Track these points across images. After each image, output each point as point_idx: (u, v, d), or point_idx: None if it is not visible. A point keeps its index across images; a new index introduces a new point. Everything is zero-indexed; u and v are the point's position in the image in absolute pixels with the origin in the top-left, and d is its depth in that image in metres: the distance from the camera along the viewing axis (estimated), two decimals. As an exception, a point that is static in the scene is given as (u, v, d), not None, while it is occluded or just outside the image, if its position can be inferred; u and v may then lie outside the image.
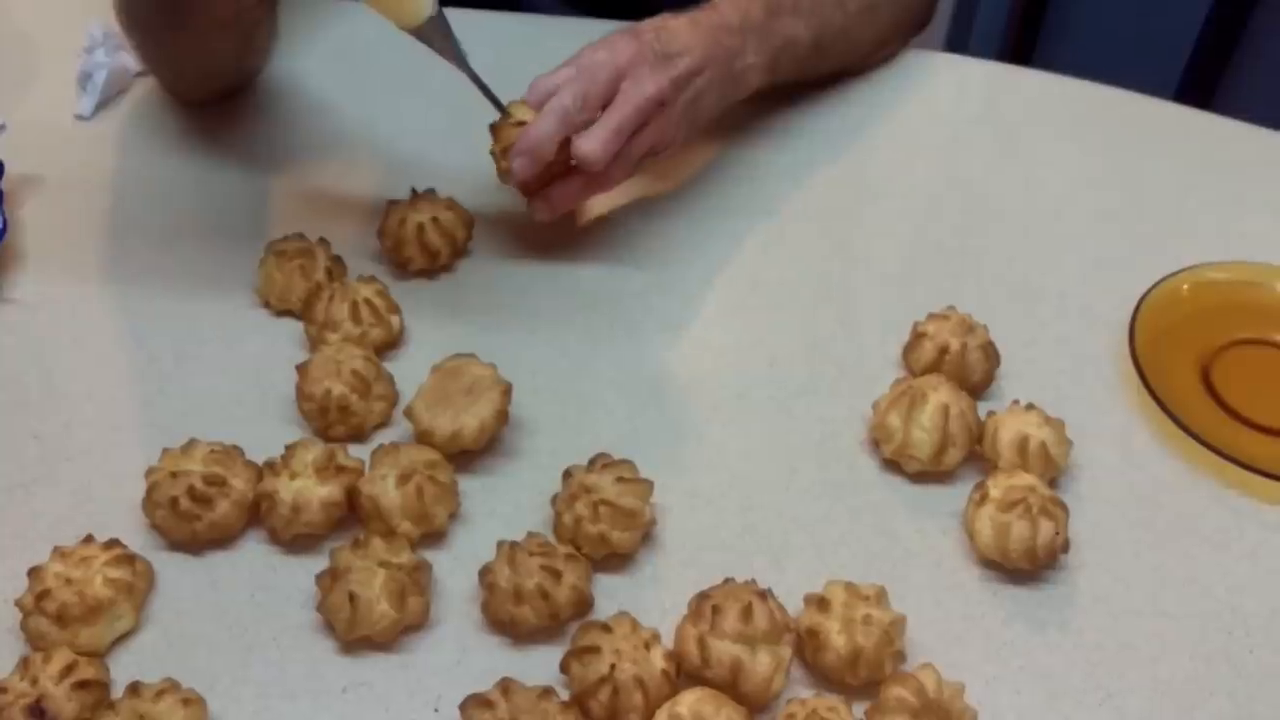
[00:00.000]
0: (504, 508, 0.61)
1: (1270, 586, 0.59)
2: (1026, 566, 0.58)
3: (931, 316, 0.67)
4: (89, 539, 0.56)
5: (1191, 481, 0.63)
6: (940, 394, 0.62)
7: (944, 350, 0.65)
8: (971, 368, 0.65)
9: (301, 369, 0.63)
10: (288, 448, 0.59)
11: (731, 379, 0.68)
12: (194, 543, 0.58)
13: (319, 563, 0.57)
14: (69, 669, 0.51)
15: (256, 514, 0.59)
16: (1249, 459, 0.62)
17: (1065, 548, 0.58)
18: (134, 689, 0.51)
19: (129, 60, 0.84)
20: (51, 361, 0.68)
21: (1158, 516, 0.62)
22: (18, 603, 0.54)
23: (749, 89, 0.75)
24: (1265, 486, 0.62)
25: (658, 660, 0.53)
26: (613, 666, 0.51)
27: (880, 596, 0.55)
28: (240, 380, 0.67)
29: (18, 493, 0.61)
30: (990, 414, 0.63)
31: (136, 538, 0.59)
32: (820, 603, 0.55)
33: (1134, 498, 0.63)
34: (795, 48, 0.76)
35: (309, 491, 0.57)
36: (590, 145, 0.65)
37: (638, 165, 0.69)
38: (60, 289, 0.71)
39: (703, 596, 0.54)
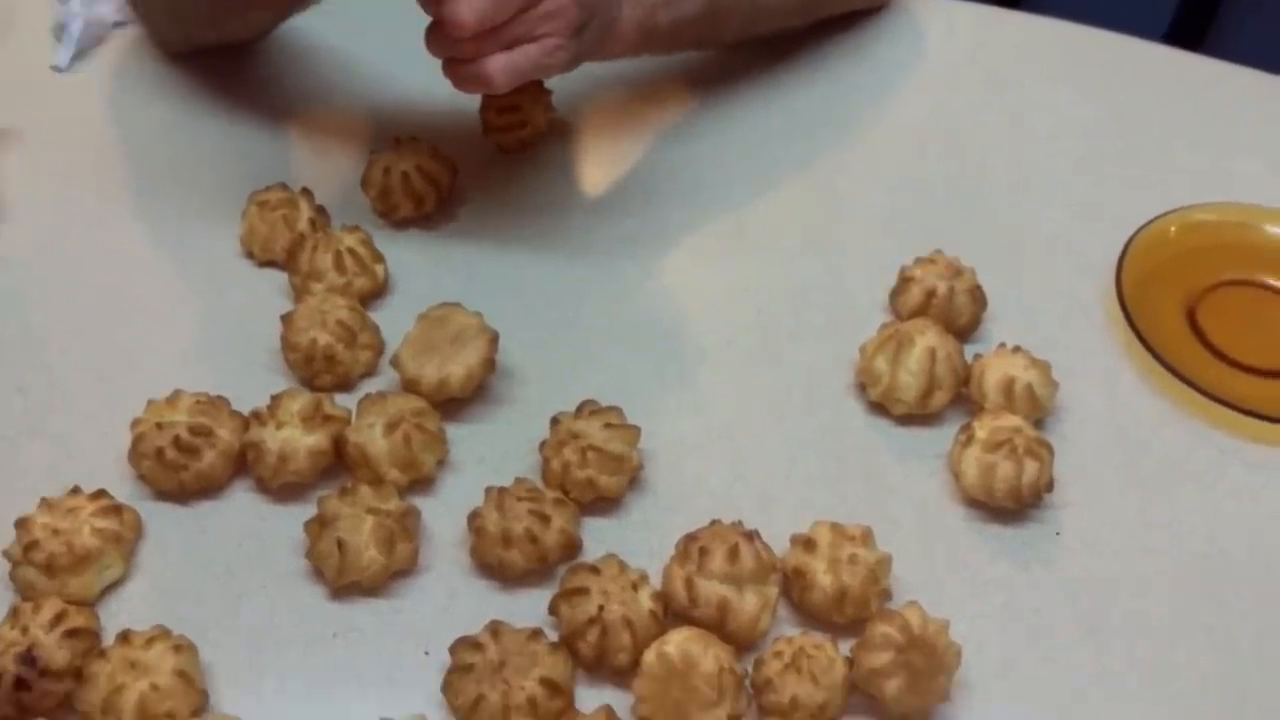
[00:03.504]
0: (492, 455, 0.61)
1: (1253, 524, 0.59)
2: (1011, 506, 0.58)
3: (918, 261, 0.67)
4: (76, 490, 0.56)
5: (1177, 421, 0.63)
6: (927, 337, 0.62)
7: (931, 294, 0.65)
8: (958, 311, 0.65)
9: (286, 319, 0.62)
10: (274, 397, 0.59)
11: (719, 326, 0.68)
12: (181, 493, 0.58)
13: (307, 511, 0.57)
14: (59, 618, 0.51)
15: (243, 464, 0.59)
16: (1234, 399, 0.63)
17: (1050, 487, 0.59)
18: (125, 637, 0.51)
19: (106, 10, 0.83)
20: (33, 315, 0.68)
21: (1142, 456, 0.62)
22: (5, 553, 0.55)
23: (622, 42, 0.69)
24: (1250, 425, 0.62)
25: (645, 601, 0.53)
26: (601, 607, 0.52)
27: (866, 536, 0.55)
28: (225, 331, 0.66)
29: (2, 446, 0.61)
30: (977, 357, 0.63)
31: (124, 488, 0.59)
32: (807, 543, 0.55)
33: (1119, 438, 0.63)
34: (680, 6, 0.71)
35: (295, 441, 0.57)
36: (460, 6, 0.59)
37: (522, 75, 0.62)
38: (40, 242, 0.71)
39: (690, 538, 0.55)
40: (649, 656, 0.51)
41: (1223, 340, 0.67)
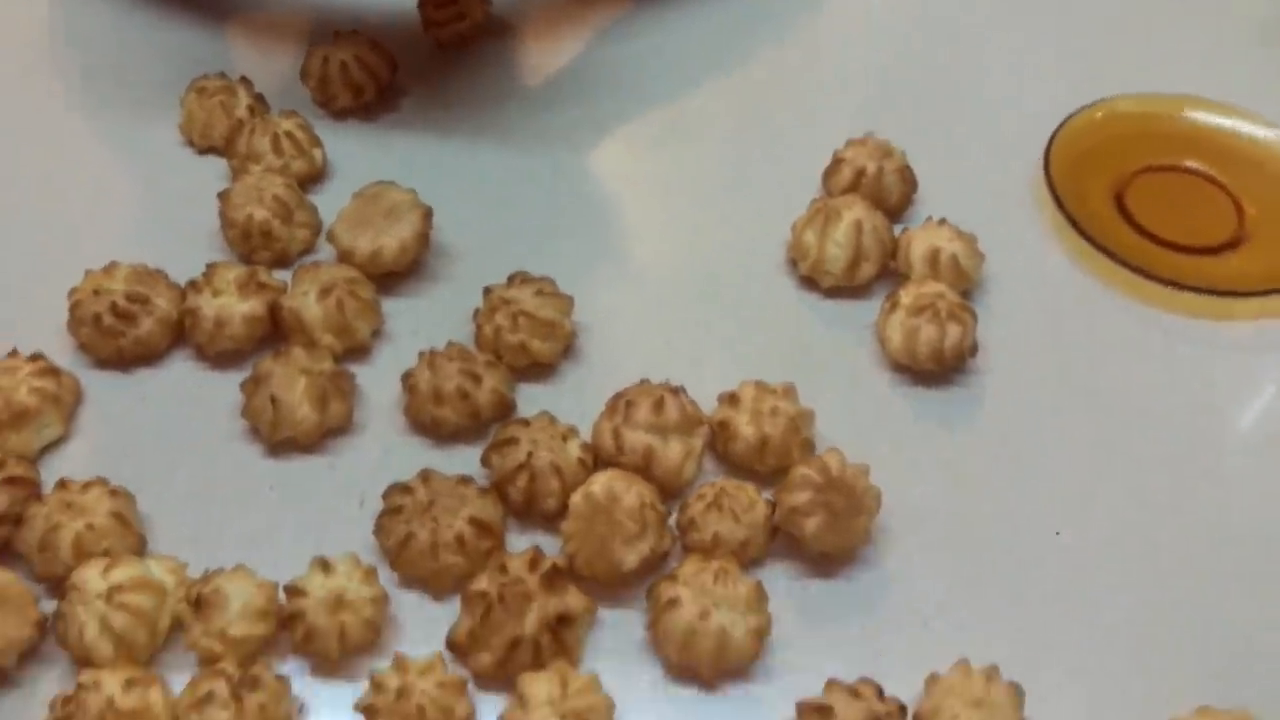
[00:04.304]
0: (426, 327, 0.61)
1: (1172, 388, 0.61)
2: (934, 368, 0.60)
3: (850, 143, 0.68)
4: (13, 353, 0.57)
5: (1102, 296, 0.65)
6: (854, 211, 0.63)
7: (860, 173, 0.66)
8: (888, 190, 0.66)
9: (224, 195, 0.63)
10: (209, 266, 0.60)
11: (653, 208, 0.69)
12: (120, 360, 0.59)
13: (244, 378, 0.58)
14: (-4, 466, 0.53)
15: (181, 333, 0.60)
16: (1159, 274, 0.64)
17: (973, 351, 0.60)
18: (62, 483, 0.52)
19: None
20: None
21: (1066, 326, 0.64)
22: (-56, 411, 0.56)
23: None
24: (1173, 297, 0.64)
25: (574, 450, 0.54)
26: (530, 454, 0.53)
27: (789, 392, 0.56)
28: (163, 214, 0.67)
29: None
30: (904, 230, 0.65)
31: (64, 359, 0.59)
32: (731, 398, 0.56)
33: (1044, 310, 0.64)
34: None
35: (231, 307, 0.58)
36: None
37: None
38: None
39: (618, 395, 0.56)
40: (575, 497, 0.52)
41: (1149, 221, 0.68)
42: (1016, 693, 0.47)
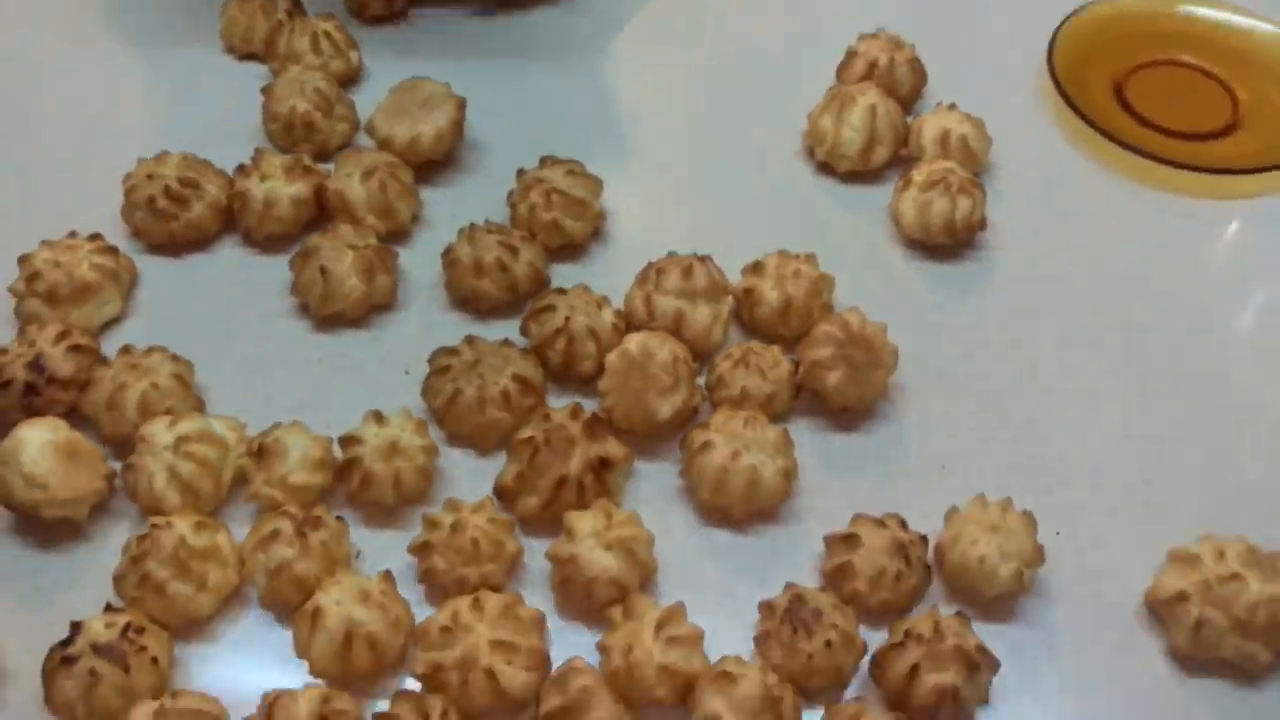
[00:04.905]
0: (463, 212, 0.64)
1: (1170, 258, 0.64)
2: (946, 240, 0.63)
3: (862, 37, 0.71)
4: (72, 234, 0.60)
5: (1103, 177, 0.68)
6: (868, 96, 0.66)
7: (873, 65, 0.69)
8: (899, 81, 0.69)
9: (267, 90, 0.66)
10: (257, 152, 0.63)
11: (676, 103, 0.72)
12: (172, 244, 0.62)
13: (290, 258, 0.61)
14: (63, 335, 0.55)
15: (229, 220, 0.63)
16: (1158, 154, 0.67)
17: (983, 225, 0.63)
18: (125, 349, 0.55)
19: None
20: (26, 106, 0.71)
21: (1070, 206, 0.67)
22: (10, 289, 0.58)
23: None
24: (1171, 177, 0.67)
25: (608, 317, 0.57)
26: (567, 319, 0.56)
27: (810, 258, 0.59)
28: (207, 116, 0.70)
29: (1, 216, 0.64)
30: (915, 116, 0.68)
31: (118, 244, 0.62)
32: (755, 267, 0.59)
33: (1049, 191, 0.68)
34: None
35: (279, 190, 0.61)
36: None
37: None
38: (29, 42, 0.74)
39: (649, 264, 0.59)
40: (611, 356, 0.55)
41: (1148, 111, 0.71)
42: (1030, 520, 0.51)
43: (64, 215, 0.63)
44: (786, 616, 0.48)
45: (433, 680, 0.47)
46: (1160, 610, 0.50)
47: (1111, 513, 0.54)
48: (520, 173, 0.63)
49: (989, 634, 0.49)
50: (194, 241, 0.62)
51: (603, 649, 0.48)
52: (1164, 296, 0.63)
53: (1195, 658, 0.49)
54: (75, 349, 0.55)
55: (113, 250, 0.60)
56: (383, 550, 0.53)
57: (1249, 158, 0.69)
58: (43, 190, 0.66)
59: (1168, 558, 0.51)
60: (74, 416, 0.55)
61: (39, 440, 0.51)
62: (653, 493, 0.55)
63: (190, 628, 0.50)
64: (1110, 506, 0.55)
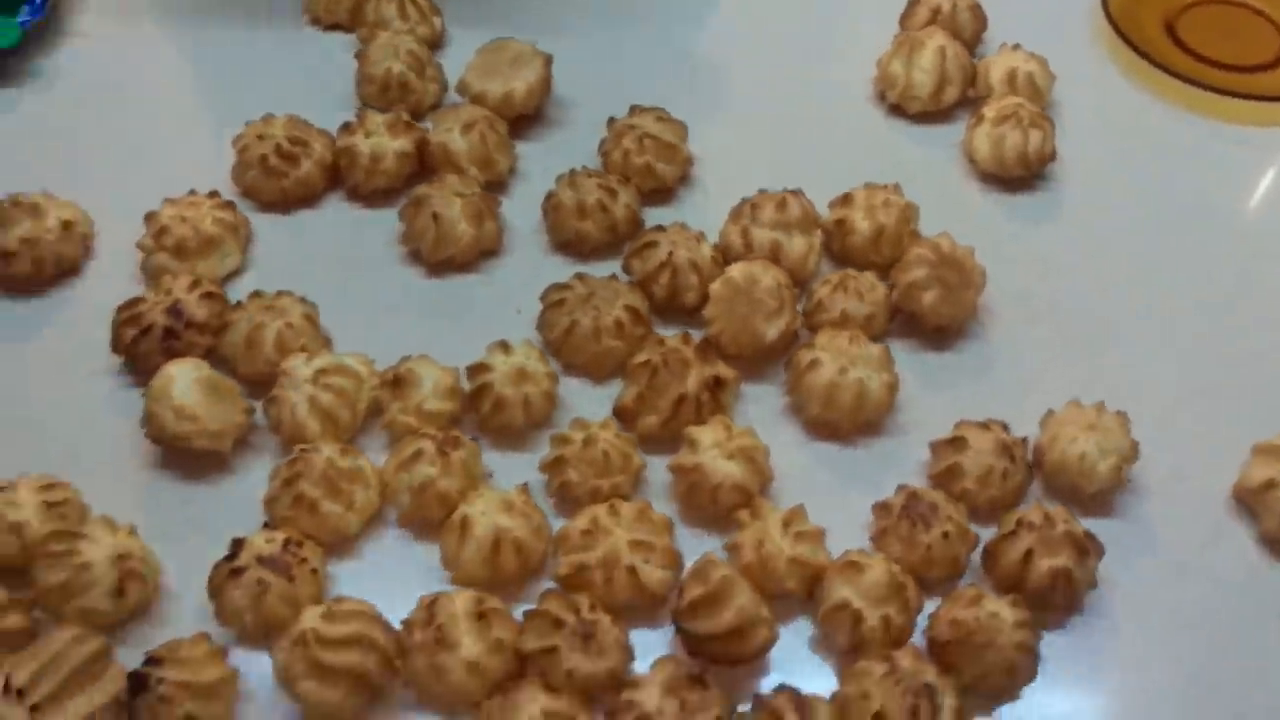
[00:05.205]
0: (554, 163, 0.67)
1: (1227, 187, 0.68)
2: (1020, 172, 0.66)
3: (924, -15, 0.74)
4: (192, 192, 0.63)
5: (1161, 111, 0.72)
6: (936, 39, 0.69)
7: (936, 11, 0.72)
8: (962, 26, 0.72)
9: (361, 54, 0.69)
10: (359, 113, 0.66)
11: (751, 57, 0.75)
12: (283, 202, 0.65)
13: (395, 216, 0.64)
14: (195, 284, 0.58)
15: (335, 177, 0.66)
16: (1209, 84, 0.71)
17: (1053, 156, 0.66)
18: (256, 294, 0.58)
19: None
20: (124, 87, 0.73)
21: (1131, 136, 0.70)
22: (139, 245, 0.61)
23: None
24: (1221, 105, 0.70)
25: (707, 250, 0.61)
26: (670, 253, 0.59)
27: (897, 188, 0.62)
28: (299, 85, 0.72)
29: (115, 186, 0.67)
30: (981, 57, 0.71)
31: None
32: (844, 199, 0.62)
33: (1111, 125, 0.71)
34: None
35: (384, 145, 0.64)
36: None
37: None
38: (121, 24, 0.76)
39: (743, 200, 0.62)
40: (715, 285, 0.58)
41: (1198, 45, 0.75)
42: (1124, 419, 0.54)
43: (173, 182, 0.66)
44: (904, 512, 0.51)
45: (575, 581, 0.50)
46: (1249, 500, 0.54)
47: (1195, 416, 0.58)
48: (611, 121, 0.66)
49: (1089, 528, 0.52)
50: (302, 198, 0.65)
51: (733, 547, 0.51)
52: (1221, 216, 0.66)
53: (1286, 541, 0.53)
54: (208, 296, 0.58)
55: (230, 205, 0.63)
56: (510, 473, 0.56)
57: (1299, 87, 0.72)
58: (147, 161, 0.69)
59: (1253, 452, 0.55)
60: (210, 360, 0.58)
61: (187, 376, 0.54)
62: (760, 413, 0.58)
63: (338, 546, 0.53)
64: (1192, 410, 0.58)
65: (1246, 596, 0.52)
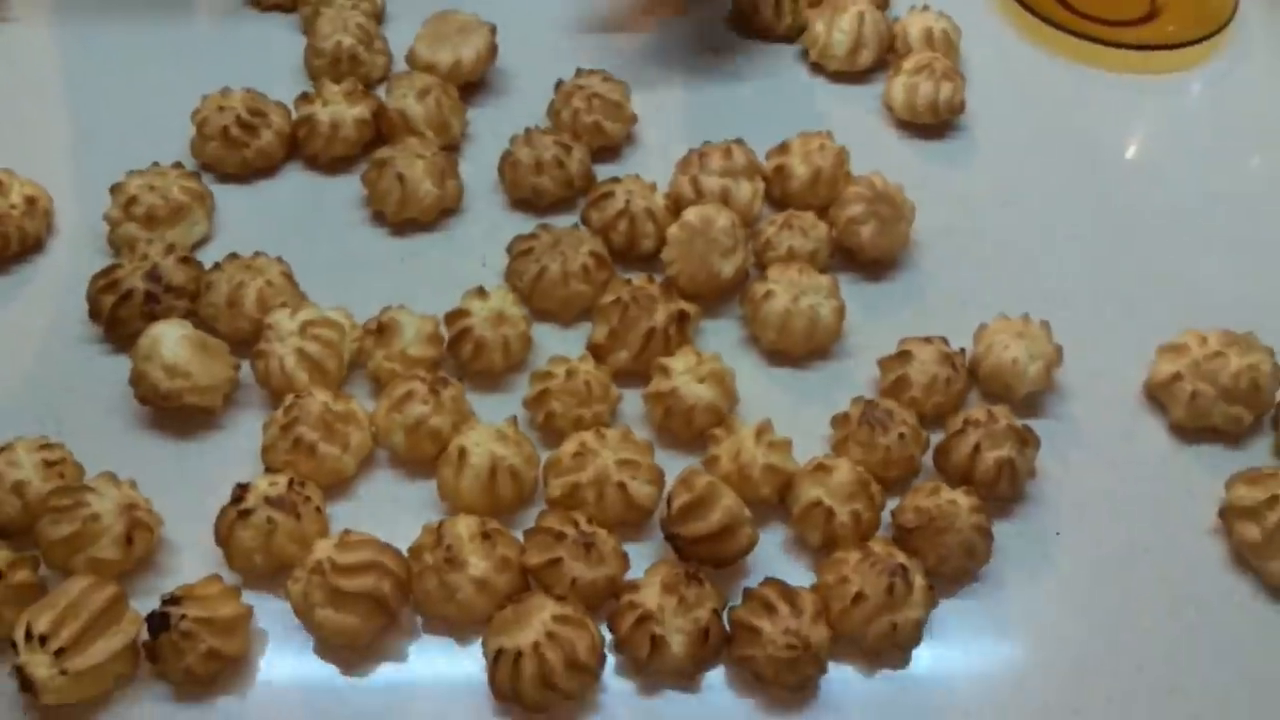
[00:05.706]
0: (503, 125, 0.70)
1: (1112, 125, 0.75)
2: (931, 120, 0.72)
3: (835, -45, 0.80)
4: (155, 164, 0.64)
5: (1052, 62, 0.78)
6: (858, 4, 0.75)
7: (848, -23, 0.78)
8: (873, -9, 0.79)
9: (310, 29, 0.71)
10: (316, 82, 0.68)
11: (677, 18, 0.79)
12: (244, 171, 0.67)
13: (355, 182, 0.66)
14: (170, 249, 0.60)
15: (294, 147, 0.68)
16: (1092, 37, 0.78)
17: (962, 108, 0.73)
18: (231, 256, 0.60)
19: None
20: (67, 76, 0.74)
21: (1025, 87, 0.77)
22: (106, 216, 0.63)
23: None
24: (1103, 55, 0.78)
25: (659, 199, 0.65)
26: (627, 202, 0.63)
27: (829, 135, 0.67)
28: (245, 67, 0.74)
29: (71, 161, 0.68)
30: (898, 19, 0.77)
31: (189, 177, 0.67)
32: (782, 148, 0.67)
33: (1006, 76, 0.78)
34: None
35: (343, 113, 0.66)
36: None
37: None
38: (47, 12, 0.77)
39: (690, 151, 0.66)
40: (672, 229, 0.62)
41: (1080, 3, 0.82)
42: (1047, 327, 0.60)
43: (127, 159, 0.66)
44: (863, 419, 0.56)
45: (568, 500, 0.53)
46: (1159, 393, 0.60)
47: (1105, 324, 0.64)
48: (559, 83, 0.70)
49: (1024, 425, 0.58)
50: (262, 169, 0.67)
51: (711, 460, 0.55)
52: (1109, 150, 0.73)
53: (1191, 427, 0.59)
54: (184, 260, 0.60)
55: (195, 175, 0.64)
56: (490, 414, 0.58)
57: (1168, 38, 0.80)
58: (99, 141, 0.70)
59: (1158, 351, 0.61)
60: (191, 319, 0.60)
61: (174, 334, 0.56)
62: (719, 345, 0.62)
63: (335, 488, 0.56)
64: (1102, 319, 0.64)
65: (1160, 478, 0.59)
